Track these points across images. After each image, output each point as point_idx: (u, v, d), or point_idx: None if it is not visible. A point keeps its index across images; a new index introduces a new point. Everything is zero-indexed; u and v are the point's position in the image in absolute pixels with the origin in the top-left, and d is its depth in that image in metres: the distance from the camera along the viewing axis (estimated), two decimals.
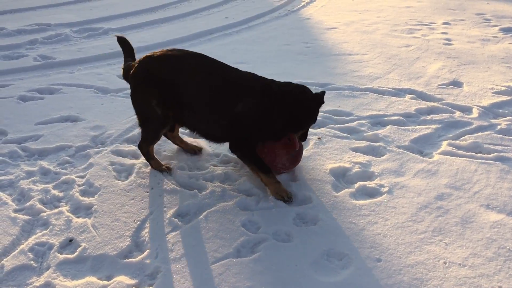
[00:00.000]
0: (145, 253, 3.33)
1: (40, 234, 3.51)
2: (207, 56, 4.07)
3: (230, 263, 3.22)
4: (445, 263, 3.23)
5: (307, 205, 3.83)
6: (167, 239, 3.47)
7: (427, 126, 5.19)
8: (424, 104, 5.73)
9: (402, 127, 5.15)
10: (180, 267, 3.20)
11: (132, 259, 3.28)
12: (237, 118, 3.84)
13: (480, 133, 5.04)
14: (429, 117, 5.42)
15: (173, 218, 3.67)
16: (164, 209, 3.80)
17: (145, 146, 4.27)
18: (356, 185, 4.11)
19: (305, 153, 4.58)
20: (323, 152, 4.63)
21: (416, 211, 3.76)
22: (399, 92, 6.15)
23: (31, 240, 3.45)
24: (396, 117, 5.38)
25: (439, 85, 6.38)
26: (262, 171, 3.93)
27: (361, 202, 3.88)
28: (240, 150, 4.02)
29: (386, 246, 3.37)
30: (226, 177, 4.22)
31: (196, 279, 3.12)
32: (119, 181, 4.17)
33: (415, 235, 3.49)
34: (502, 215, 3.71)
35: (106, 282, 3.08)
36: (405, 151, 4.66)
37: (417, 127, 5.18)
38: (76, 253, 3.32)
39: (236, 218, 3.68)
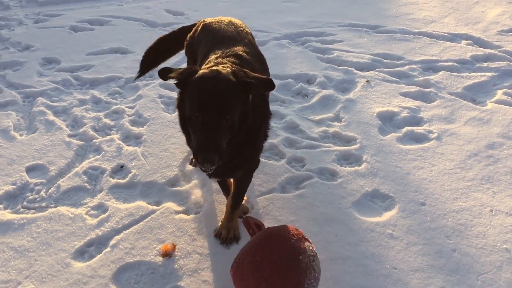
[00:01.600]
0: (192, 183, 3.43)
1: (93, 159, 3.67)
2: (236, 25, 3.29)
3: (274, 198, 3.28)
4: (491, 211, 3.19)
5: (352, 147, 3.82)
6: None
7: (482, 73, 4.97)
8: (480, 51, 5.47)
9: (456, 74, 4.96)
10: (225, 199, 3.29)
11: (180, 188, 3.40)
12: None
13: None
14: (485, 64, 5.17)
15: None
16: None
17: None
18: (404, 129, 4.04)
19: (352, 95, 4.51)
20: (371, 95, 4.54)
21: (465, 158, 3.68)
22: (454, 37, 5.87)
23: (85, 164, 3.61)
24: (449, 63, 5.16)
25: (498, 31, 6.03)
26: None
27: (408, 147, 3.83)
28: None
29: (431, 191, 3.35)
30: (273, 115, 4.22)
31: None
32: (167, 114, 4.25)
33: (462, 182, 3.44)
34: None
35: (155, 207, 3.21)
36: (457, 98, 4.51)
37: (472, 74, 4.97)
38: (127, 179, 3.47)
39: (281, 155, 3.72)
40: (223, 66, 2.50)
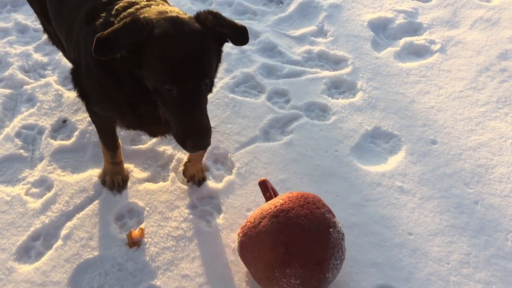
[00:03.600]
0: (154, 139, 2.78)
1: (27, 113, 2.92)
2: None
3: (258, 149, 2.70)
4: None
5: (343, 70, 3.18)
6: None
7: None
8: None
9: None
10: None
11: (141, 146, 2.75)
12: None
13: None
14: None
15: None
16: None
17: None
18: (401, 41, 3.39)
19: (335, 0, 3.73)
20: None
21: (475, 75, 3.12)
22: None
23: (17, 122, 2.87)
24: None
25: None
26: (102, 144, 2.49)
27: (409, 64, 3.21)
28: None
29: (441, 124, 2.83)
30: None
31: (217, 170, 2.65)
32: None
33: (476, 107, 2.92)
34: None
35: None
36: None
37: None
38: (73, 138, 2.78)
39: (260, 88, 3.06)
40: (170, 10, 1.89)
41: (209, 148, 2.65)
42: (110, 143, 2.44)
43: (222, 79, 3.09)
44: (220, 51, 1.93)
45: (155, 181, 2.58)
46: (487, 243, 2.28)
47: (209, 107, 2.05)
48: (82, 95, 2.22)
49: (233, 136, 2.78)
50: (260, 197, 2.46)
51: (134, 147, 2.74)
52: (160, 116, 1.93)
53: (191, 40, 1.74)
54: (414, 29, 3.51)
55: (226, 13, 3.64)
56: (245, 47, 3.31)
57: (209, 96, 2.17)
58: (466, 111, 2.89)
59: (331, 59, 3.28)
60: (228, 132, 2.79)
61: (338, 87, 3.10)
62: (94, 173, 2.60)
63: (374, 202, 2.45)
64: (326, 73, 3.16)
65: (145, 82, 1.82)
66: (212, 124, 1.88)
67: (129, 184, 2.54)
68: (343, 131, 2.79)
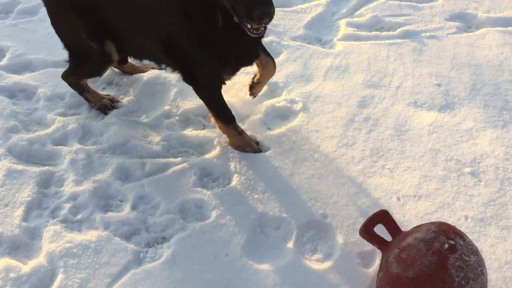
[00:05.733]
0: None
1: None
2: None
3: (136, 279, 2.23)
4: (398, 199, 2.63)
5: (210, 153, 2.87)
6: None
7: (316, 2, 4.28)
8: None
9: (289, 9, 4.18)
10: None
11: None
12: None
13: (374, 3, 4.28)
14: None
15: None
16: None
17: (75, 79, 3.14)
18: (263, 106, 3.20)
19: None
20: None
21: (343, 130, 3.03)
22: None
23: None
24: None
25: None
26: (220, 119, 2.82)
27: (277, 131, 3.02)
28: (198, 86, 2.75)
29: (325, 193, 2.64)
30: (86, 131, 3.00)
31: None
32: None
33: (354, 165, 2.80)
34: (433, 112, 3.16)
35: None
36: (303, 44, 3.77)
37: (305, 5, 4.24)
38: None
39: (122, 197, 2.61)
40: None
41: None
42: (229, 111, 2.78)
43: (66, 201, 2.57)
44: None
45: None
46: None
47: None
48: (197, 76, 2.63)
49: (101, 268, 2.27)
50: None
51: None
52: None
53: None
54: (271, 89, 3.35)
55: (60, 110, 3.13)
56: (89, 148, 2.84)
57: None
58: (345, 171, 2.76)
59: (194, 142, 2.94)
60: (92, 264, 2.29)
61: (210, 174, 2.77)
62: None
63: None
64: (193, 159, 2.82)
65: None
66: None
67: None
68: (228, 228, 2.46)
